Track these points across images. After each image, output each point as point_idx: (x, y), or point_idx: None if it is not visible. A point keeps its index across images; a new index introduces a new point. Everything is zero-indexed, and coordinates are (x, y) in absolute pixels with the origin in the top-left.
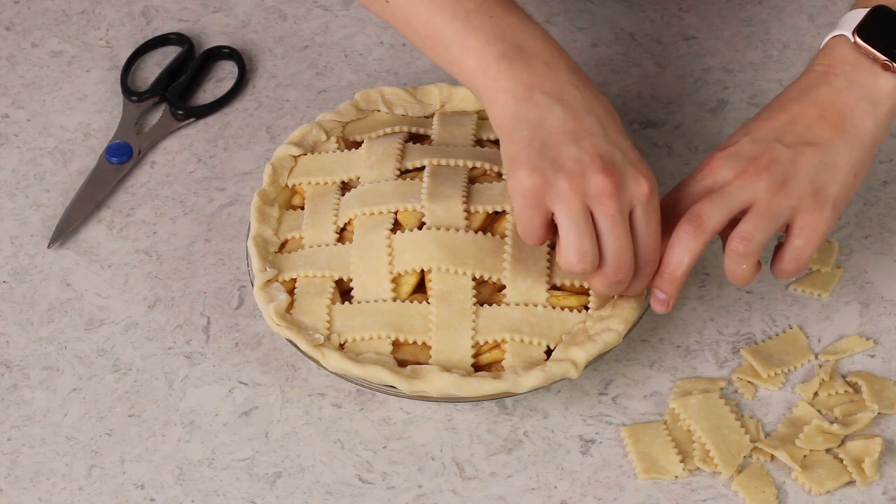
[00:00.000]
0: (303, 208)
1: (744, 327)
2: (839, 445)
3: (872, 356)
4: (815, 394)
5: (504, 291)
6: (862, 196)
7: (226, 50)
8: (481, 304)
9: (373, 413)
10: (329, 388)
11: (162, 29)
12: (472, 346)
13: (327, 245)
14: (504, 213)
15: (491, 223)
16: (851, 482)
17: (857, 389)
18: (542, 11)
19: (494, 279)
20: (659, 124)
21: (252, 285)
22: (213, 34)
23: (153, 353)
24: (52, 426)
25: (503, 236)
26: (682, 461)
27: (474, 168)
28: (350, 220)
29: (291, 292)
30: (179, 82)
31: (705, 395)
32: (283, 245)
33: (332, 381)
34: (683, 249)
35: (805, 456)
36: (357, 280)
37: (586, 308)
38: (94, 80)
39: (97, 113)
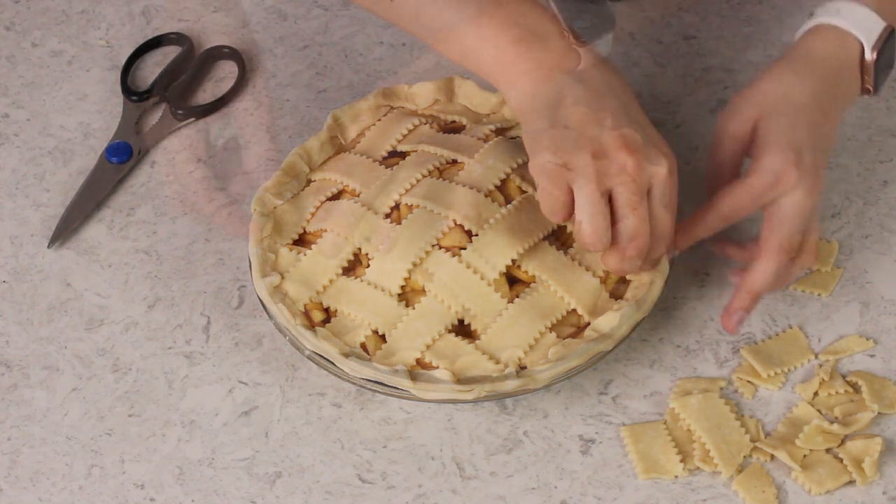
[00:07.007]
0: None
1: (744, 327)
2: (839, 445)
3: (872, 356)
4: (815, 394)
5: (568, 228)
6: (862, 196)
7: (226, 50)
8: (566, 252)
9: (373, 413)
10: (329, 387)
11: (162, 29)
12: (599, 279)
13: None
14: (503, 181)
15: (504, 191)
16: (851, 482)
17: (857, 389)
18: None
19: (554, 226)
20: (659, 124)
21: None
22: (213, 34)
23: (153, 352)
24: (52, 426)
25: (522, 192)
26: (682, 461)
27: (431, 172)
28: (404, 282)
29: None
30: (179, 82)
31: (705, 395)
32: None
33: (332, 381)
34: (774, 271)
35: (805, 456)
36: (476, 319)
37: None
38: (94, 79)
39: (97, 113)
